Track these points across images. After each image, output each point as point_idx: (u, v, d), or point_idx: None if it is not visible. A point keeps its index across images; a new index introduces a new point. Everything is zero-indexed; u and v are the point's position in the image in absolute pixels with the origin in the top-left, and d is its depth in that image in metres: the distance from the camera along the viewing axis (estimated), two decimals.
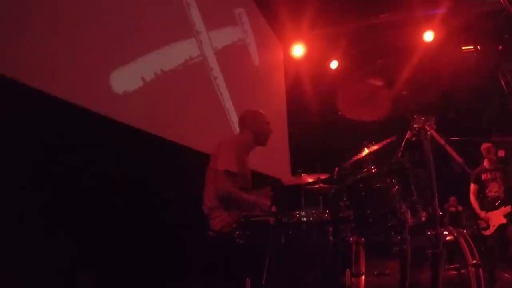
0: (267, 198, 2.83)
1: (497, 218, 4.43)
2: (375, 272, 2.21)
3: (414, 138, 2.38)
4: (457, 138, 2.79)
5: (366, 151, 2.78)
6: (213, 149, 2.87)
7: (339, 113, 7.29)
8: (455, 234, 2.33)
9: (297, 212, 2.36)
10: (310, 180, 3.21)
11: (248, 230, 2.38)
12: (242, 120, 3.08)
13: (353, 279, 2.18)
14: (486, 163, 4.70)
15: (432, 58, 6.97)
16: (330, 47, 7.25)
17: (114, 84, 3.00)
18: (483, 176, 4.67)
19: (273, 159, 5.64)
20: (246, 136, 2.99)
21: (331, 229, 2.39)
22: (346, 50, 7.24)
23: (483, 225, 4.56)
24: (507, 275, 3.95)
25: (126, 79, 3.10)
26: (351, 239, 2.37)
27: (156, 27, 3.56)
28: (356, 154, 2.81)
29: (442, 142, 2.32)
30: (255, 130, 2.99)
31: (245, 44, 5.57)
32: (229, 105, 4.69)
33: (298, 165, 5.86)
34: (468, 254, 2.20)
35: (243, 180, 2.83)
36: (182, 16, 4.03)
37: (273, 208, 2.69)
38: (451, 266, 2.21)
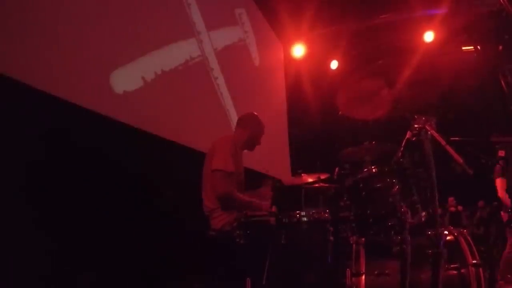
0: (266, 198, 2.84)
1: None
2: (375, 272, 2.21)
3: (414, 138, 2.37)
4: (457, 138, 2.78)
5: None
6: (209, 149, 2.88)
7: (340, 112, 7.28)
8: (455, 234, 2.33)
9: (297, 212, 2.36)
10: (310, 180, 3.22)
11: (249, 230, 2.39)
12: (243, 120, 3.08)
13: (353, 279, 2.18)
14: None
15: (432, 59, 6.96)
16: (331, 48, 7.24)
17: (114, 84, 3.00)
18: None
19: (273, 159, 5.64)
20: (242, 136, 2.99)
21: (331, 229, 2.39)
22: (346, 50, 7.23)
23: None
24: (508, 275, 3.95)
25: (126, 79, 3.11)
26: (351, 239, 2.37)
27: (156, 27, 3.56)
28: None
29: (443, 142, 2.31)
30: (251, 134, 3.00)
31: (246, 44, 5.57)
32: (229, 105, 4.69)
33: (298, 165, 5.87)
34: (468, 254, 2.21)
35: (238, 179, 2.84)
36: (182, 16, 4.03)
37: (273, 208, 2.70)
38: (451, 266, 2.21)
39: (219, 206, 2.70)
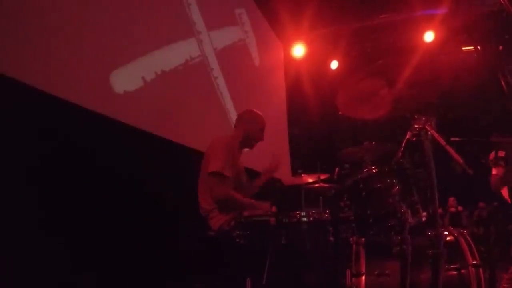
0: (267, 201, 2.82)
1: None
2: (376, 272, 2.21)
3: (414, 139, 2.37)
4: (457, 139, 2.78)
5: None
6: (206, 150, 2.87)
7: (340, 112, 7.28)
8: (456, 234, 2.33)
9: (297, 212, 2.36)
10: (310, 180, 3.22)
11: (249, 230, 2.38)
12: (237, 119, 3.09)
13: (353, 279, 2.18)
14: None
15: (432, 58, 6.96)
16: (331, 47, 7.24)
17: (114, 84, 3.00)
18: None
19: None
20: (237, 136, 2.98)
21: (331, 229, 2.39)
22: (346, 50, 7.23)
23: None
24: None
25: (126, 79, 3.10)
26: (351, 239, 2.37)
27: (156, 27, 3.56)
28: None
29: (443, 142, 2.31)
30: (246, 132, 2.98)
31: (246, 44, 5.56)
32: (229, 105, 4.68)
33: (298, 165, 5.87)
34: (468, 254, 2.21)
35: (236, 180, 2.84)
36: (182, 16, 4.03)
37: (273, 208, 2.70)
38: (451, 266, 2.22)
39: (216, 207, 2.70)
